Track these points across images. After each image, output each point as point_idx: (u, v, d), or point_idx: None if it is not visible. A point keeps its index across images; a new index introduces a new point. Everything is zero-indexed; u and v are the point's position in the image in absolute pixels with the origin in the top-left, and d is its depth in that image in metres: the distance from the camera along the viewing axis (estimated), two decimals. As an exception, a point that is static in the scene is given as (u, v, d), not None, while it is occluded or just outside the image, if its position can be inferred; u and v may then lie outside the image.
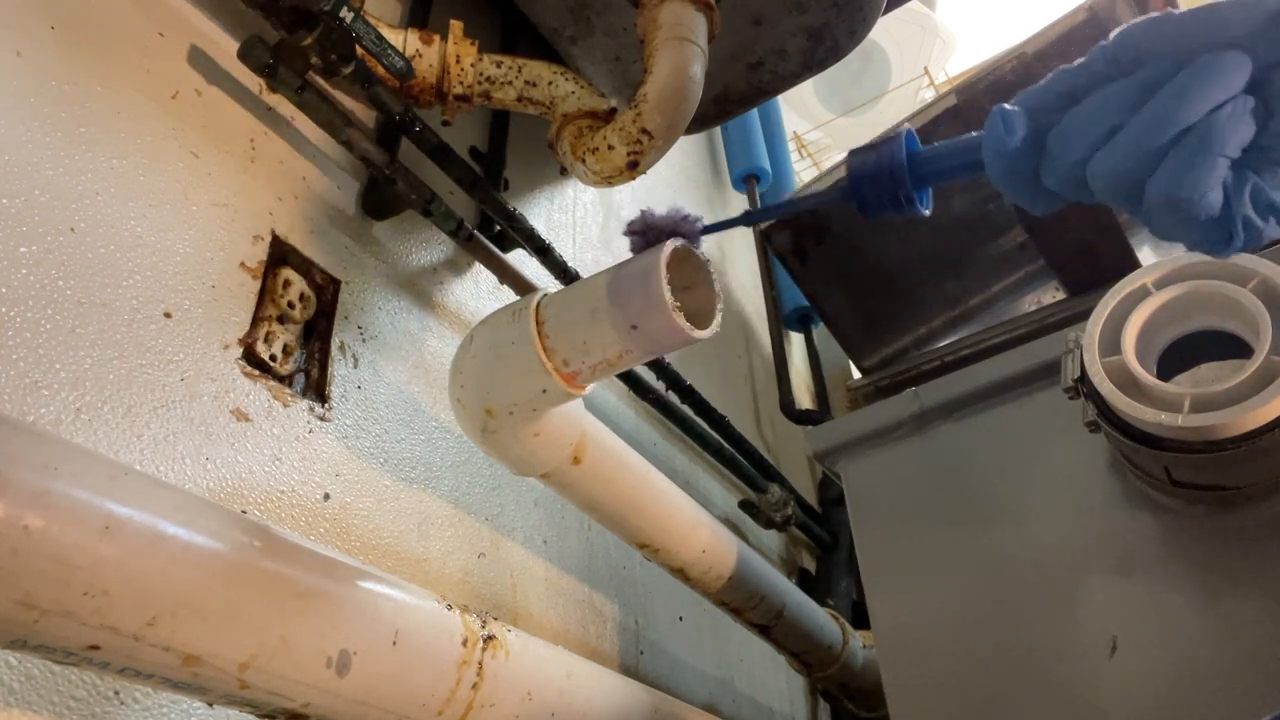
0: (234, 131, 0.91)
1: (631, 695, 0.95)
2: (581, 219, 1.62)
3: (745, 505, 1.76)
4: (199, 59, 0.90)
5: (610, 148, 0.96)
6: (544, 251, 1.24)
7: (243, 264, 0.87)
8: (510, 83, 1.10)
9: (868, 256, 1.47)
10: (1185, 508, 0.82)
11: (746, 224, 0.73)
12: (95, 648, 0.48)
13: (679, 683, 1.37)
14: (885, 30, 2.89)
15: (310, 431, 0.88)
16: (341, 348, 0.95)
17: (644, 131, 0.95)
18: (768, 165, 2.43)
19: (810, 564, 2.05)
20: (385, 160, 0.99)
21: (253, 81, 0.94)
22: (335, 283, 0.97)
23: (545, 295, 0.73)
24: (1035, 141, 0.49)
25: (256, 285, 0.87)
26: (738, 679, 1.55)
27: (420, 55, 1.05)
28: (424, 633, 0.67)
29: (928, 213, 0.59)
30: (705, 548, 1.04)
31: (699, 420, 1.60)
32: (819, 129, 3.17)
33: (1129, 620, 0.81)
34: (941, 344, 1.44)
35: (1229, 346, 0.78)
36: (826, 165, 3.10)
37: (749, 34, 1.26)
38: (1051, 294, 1.45)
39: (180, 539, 0.52)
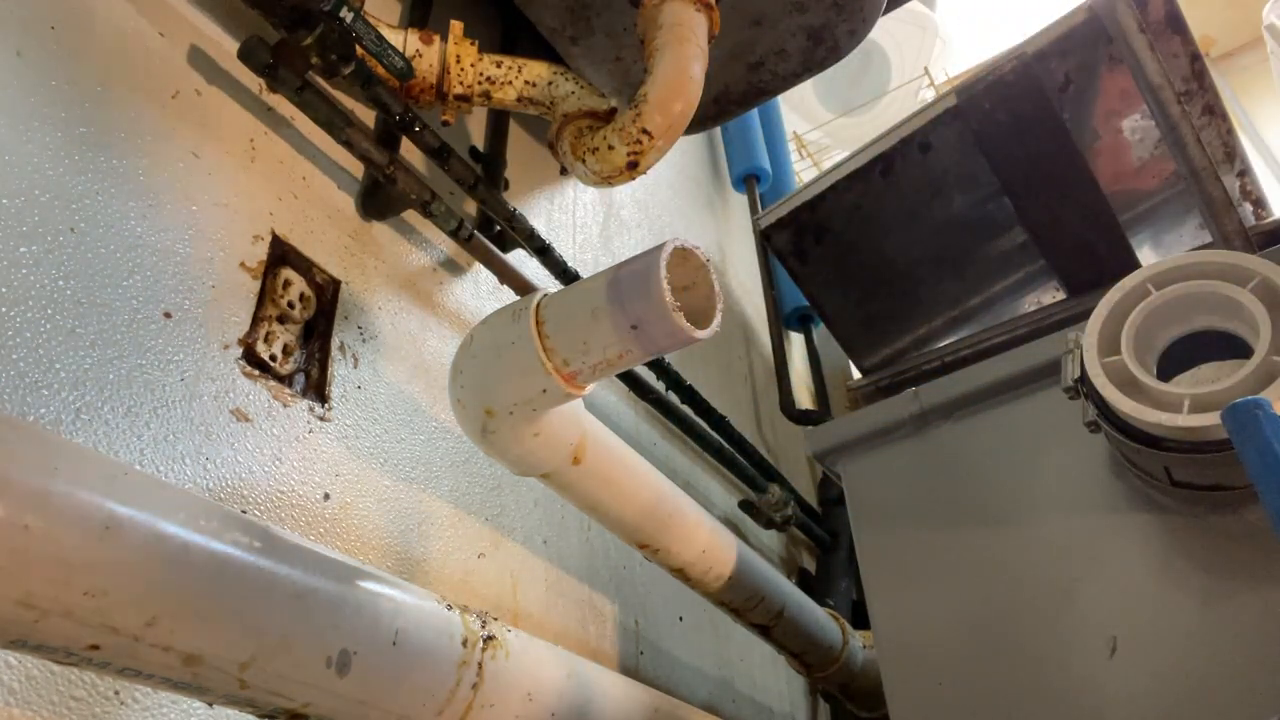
0: (234, 131, 0.91)
1: (631, 695, 0.95)
2: (581, 219, 1.62)
3: (745, 505, 1.76)
4: (199, 59, 0.90)
5: (610, 148, 0.96)
6: (544, 251, 1.24)
7: (243, 264, 0.87)
8: (510, 83, 1.10)
9: (868, 257, 1.47)
10: (1185, 508, 0.82)
11: None
12: (95, 648, 0.48)
13: (679, 683, 1.37)
14: (885, 30, 2.89)
15: (310, 432, 0.88)
16: (341, 348, 0.95)
17: (644, 131, 0.95)
18: (768, 165, 2.43)
19: (810, 564, 2.05)
20: (385, 160, 0.99)
21: (253, 81, 0.94)
22: (335, 283, 0.97)
23: (545, 295, 0.73)
24: None
25: (256, 285, 0.87)
26: (738, 679, 1.55)
27: (420, 55, 1.05)
28: (424, 633, 0.67)
29: None
30: (705, 548, 1.03)
31: (699, 420, 1.60)
32: (819, 129, 3.17)
33: (1129, 620, 0.81)
34: (941, 344, 1.44)
35: (1229, 346, 0.78)
36: (826, 165, 3.10)
37: (749, 34, 1.26)
38: (1051, 294, 1.45)
39: (180, 539, 0.52)
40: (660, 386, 1.49)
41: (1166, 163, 1.36)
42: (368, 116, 1.10)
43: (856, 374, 1.60)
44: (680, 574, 1.05)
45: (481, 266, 1.22)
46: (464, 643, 0.71)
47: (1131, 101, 1.33)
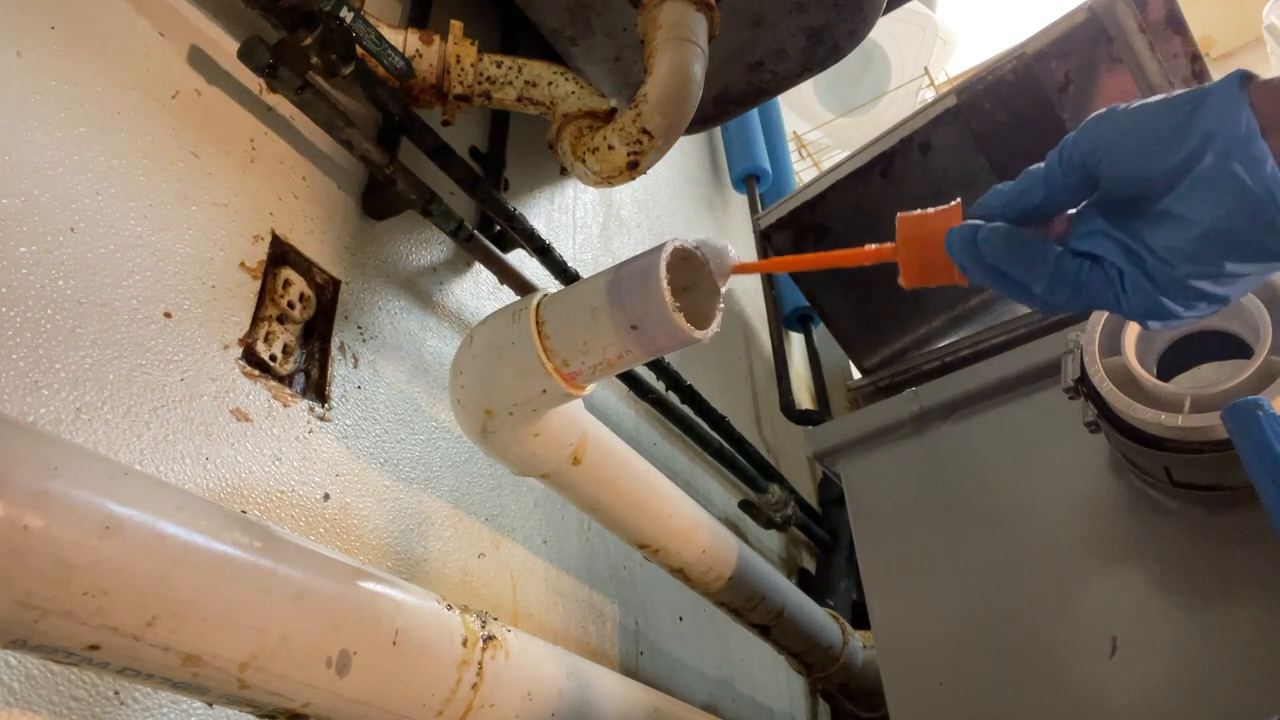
0: (234, 131, 0.91)
1: (631, 695, 0.95)
2: (581, 219, 1.62)
3: (745, 505, 1.76)
4: (199, 59, 0.90)
5: (610, 148, 0.96)
6: (544, 251, 1.24)
7: (243, 264, 0.87)
8: (510, 83, 1.10)
9: (868, 256, 1.47)
10: (1185, 508, 0.82)
11: None
12: (95, 648, 0.48)
13: (679, 683, 1.37)
14: (885, 30, 2.89)
15: (310, 431, 0.88)
16: (341, 348, 0.95)
17: (644, 131, 0.95)
18: (768, 165, 2.43)
19: (810, 564, 2.05)
20: (385, 160, 0.99)
21: (253, 81, 0.94)
22: (335, 283, 0.97)
23: (545, 295, 0.73)
24: None
25: (256, 285, 0.87)
26: (738, 679, 1.55)
27: (420, 55, 1.05)
28: (424, 633, 0.67)
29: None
30: (705, 548, 1.03)
31: (699, 420, 1.60)
32: (819, 129, 3.17)
33: (1129, 620, 0.81)
34: (941, 344, 1.44)
35: (1229, 346, 0.78)
36: (826, 165, 3.10)
37: (749, 34, 1.26)
38: (1051, 294, 1.45)
39: (180, 539, 0.52)
40: (660, 386, 1.49)
41: (1166, 163, 1.36)
42: (368, 116, 1.10)
43: (856, 374, 1.60)
44: (680, 574, 1.05)
45: (481, 266, 1.22)
46: (464, 643, 0.71)
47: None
